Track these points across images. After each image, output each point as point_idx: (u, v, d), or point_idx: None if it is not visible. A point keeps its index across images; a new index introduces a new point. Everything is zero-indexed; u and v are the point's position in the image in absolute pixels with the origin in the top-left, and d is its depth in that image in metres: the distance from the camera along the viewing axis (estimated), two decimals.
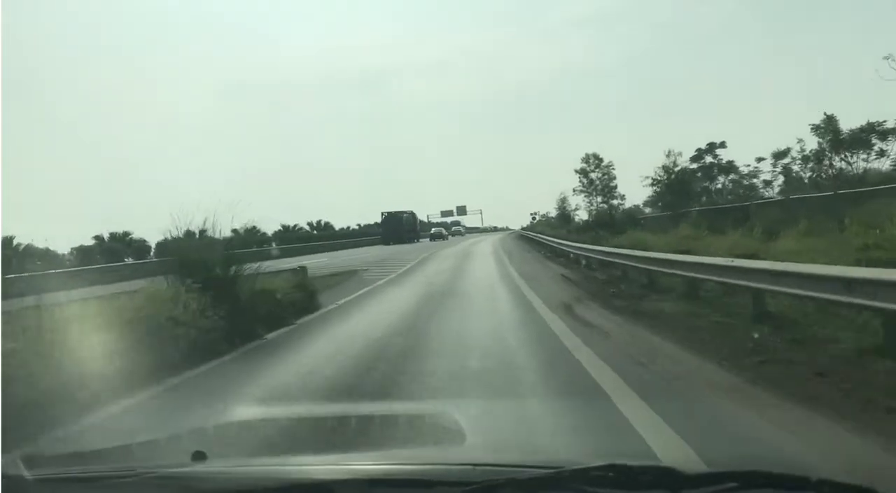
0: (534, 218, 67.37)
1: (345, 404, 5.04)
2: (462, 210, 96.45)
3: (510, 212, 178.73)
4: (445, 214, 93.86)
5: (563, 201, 51.62)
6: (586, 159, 42.70)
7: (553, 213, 57.48)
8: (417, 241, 55.66)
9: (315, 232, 64.05)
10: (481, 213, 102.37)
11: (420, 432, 3.81)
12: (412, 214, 63.51)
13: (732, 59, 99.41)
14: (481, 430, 3.74)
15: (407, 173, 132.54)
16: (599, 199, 42.20)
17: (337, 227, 69.92)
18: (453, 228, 78.50)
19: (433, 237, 62.25)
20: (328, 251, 40.75)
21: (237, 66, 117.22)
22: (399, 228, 56.10)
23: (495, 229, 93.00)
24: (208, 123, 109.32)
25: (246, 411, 4.92)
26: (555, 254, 25.37)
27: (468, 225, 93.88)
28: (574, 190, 44.59)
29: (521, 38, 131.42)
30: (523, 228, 64.47)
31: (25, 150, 55.57)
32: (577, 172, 43.28)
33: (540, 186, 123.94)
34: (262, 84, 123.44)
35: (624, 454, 2.10)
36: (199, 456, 2.00)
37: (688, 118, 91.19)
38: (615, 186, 42.12)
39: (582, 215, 47.71)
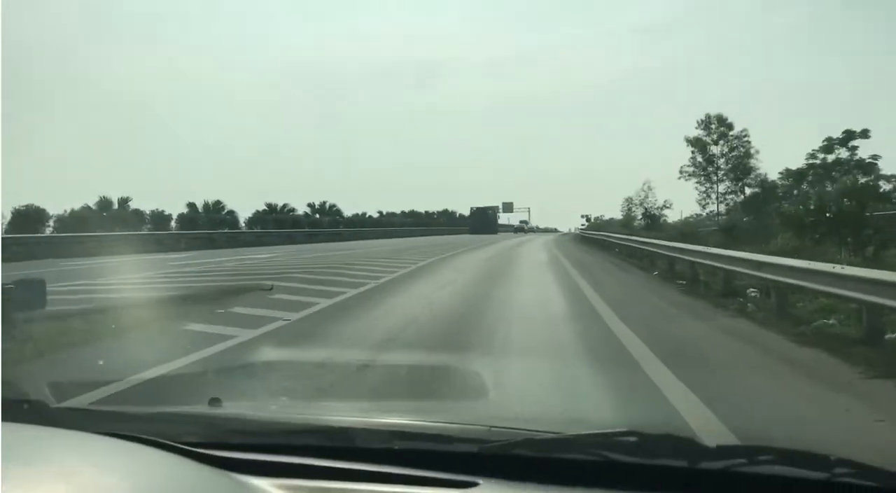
0: (588, 219, 60.93)
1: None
2: (509, 207, 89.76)
3: (556, 213, 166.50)
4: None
5: (646, 192, 35.22)
6: (706, 124, 26.52)
7: (607, 216, 49.76)
8: (497, 233, 61.75)
9: (318, 216, 51.80)
10: (529, 211, 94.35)
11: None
12: (495, 210, 75.66)
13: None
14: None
15: (448, 167, 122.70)
16: (723, 187, 26.36)
17: (347, 213, 58.02)
18: (526, 226, 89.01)
19: (516, 230, 77.82)
20: (335, 242, 35.45)
21: (291, 52, 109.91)
22: (486, 221, 66.43)
23: (556, 230, 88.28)
24: (255, 108, 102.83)
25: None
26: (673, 276, 12.51)
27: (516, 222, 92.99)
28: (681, 171, 29.62)
29: (582, 41, 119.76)
30: (581, 230, 54.38)
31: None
32: (688, 142, 27.84)
33: (589, 190, 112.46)
34: (314, 71, 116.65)
35: None
36: (215, 402, 1.88)
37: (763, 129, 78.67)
38: (752, 167, 26.09)
39: (676, 214, 33.92)
